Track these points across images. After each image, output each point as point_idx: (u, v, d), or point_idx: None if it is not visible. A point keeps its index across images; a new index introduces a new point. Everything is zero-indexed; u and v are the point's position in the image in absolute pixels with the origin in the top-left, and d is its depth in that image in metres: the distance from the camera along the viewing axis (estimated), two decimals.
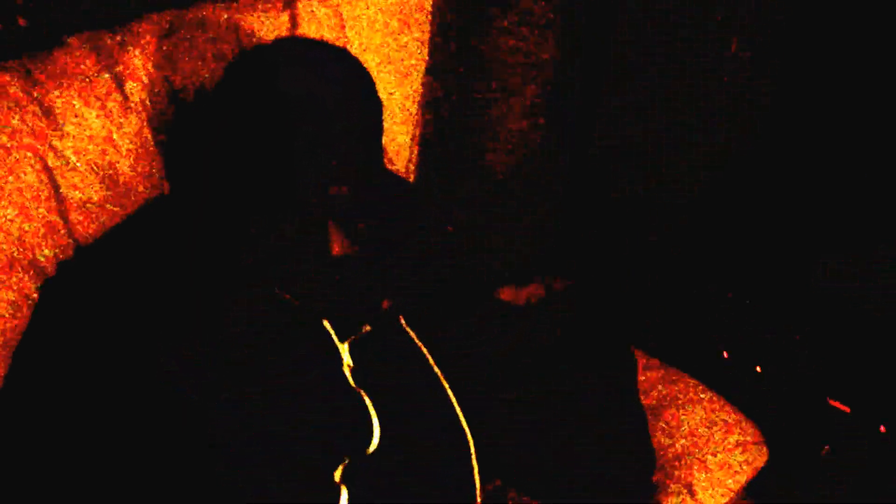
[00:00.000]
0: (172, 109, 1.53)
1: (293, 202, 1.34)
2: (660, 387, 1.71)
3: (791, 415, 2.19)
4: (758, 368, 2.21)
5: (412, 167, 2.01)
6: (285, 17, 1.69)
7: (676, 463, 1.59)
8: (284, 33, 1.68)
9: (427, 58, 2.08)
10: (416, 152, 2.03)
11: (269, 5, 1.69)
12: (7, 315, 1.34)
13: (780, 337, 2.31)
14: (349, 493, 1.26)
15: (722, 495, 1.59)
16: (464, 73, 2.20)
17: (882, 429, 2.10)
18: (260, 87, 1.35)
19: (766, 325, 2.35)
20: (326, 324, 1.35)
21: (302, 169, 1.33)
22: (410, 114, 1.99)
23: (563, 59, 2.17)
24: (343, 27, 1.80)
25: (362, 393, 1.33)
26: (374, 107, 1.43)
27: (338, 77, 1.38)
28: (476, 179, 2.24)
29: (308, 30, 1.71)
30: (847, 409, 2.14)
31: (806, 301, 2.33)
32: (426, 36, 2.11)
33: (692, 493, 1.56)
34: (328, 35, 1.74)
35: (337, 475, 1.27)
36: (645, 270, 2.44)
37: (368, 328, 1.39)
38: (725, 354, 2.26)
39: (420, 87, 2.04)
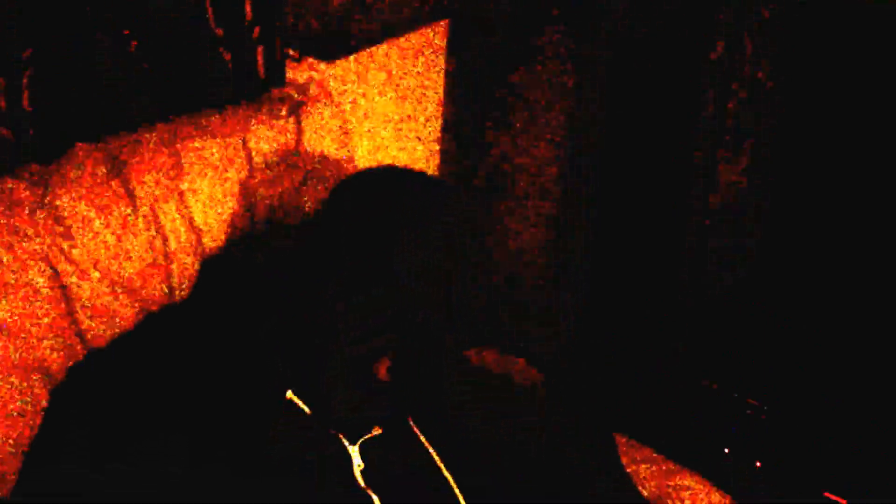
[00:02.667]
0: (182, 215, 1.56)
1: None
2: (658, 478, 1.72)
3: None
4: (757, 463, 2.22)
5: None
6: (291, 123, 1.74)
7: None
8: (290, 139, 1.71)
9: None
10: None
11: (274, 112, 1.73)
12: (15, 418, 1.34)
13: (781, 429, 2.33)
14: None
15: None
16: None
17: None
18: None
19: (766, 419, 2.37)
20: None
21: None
22: None
23: None
24: (347, 132, 1.85)
25: (371, 493, 1.34)
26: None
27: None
28: None
29: (312, 135, 1.75)
30: (843, 502, 2.15)
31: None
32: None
33: None
34: (332, 141, 1.79)
35: None
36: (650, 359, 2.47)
37: (378, 430, 1.40)
38: (727, 450, 2.27)
39: None
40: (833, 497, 2.19)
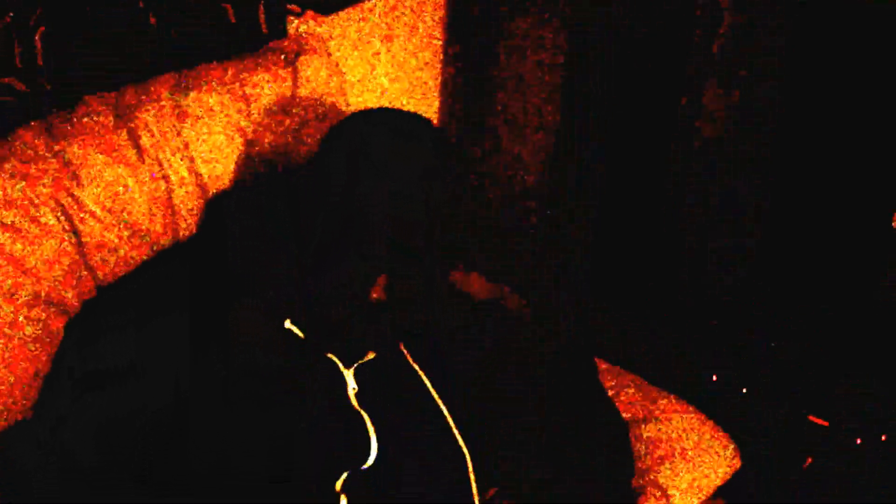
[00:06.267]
0: (186, 160, 1.66)
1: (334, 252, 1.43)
2: (640, 402, 1.81)
3: (769, 428, 2.26)
4: (744, 390, 2.28)
5: None
6: (288, 72, 1.82)
7: (655, 469, 1.69)
8: (287, 88, 1.80)
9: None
10: None
11: (273, 63, 1.82)
12: (31, 350, 1.44)
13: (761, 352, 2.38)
14: (348, 501, 1.36)
15: (695, 497, 1.69)
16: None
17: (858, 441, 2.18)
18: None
19: (747, 341, 2.43)
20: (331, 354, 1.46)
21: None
22: None
23: None
24: (342, 81, 1.94)
25: (363, 413, 1.43)
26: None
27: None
28: None
29: (308, 83, 1.84)
30: (825, 423, 2.21)
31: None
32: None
33: (668, 496, 1.66)
34: (327, 88, 1.87)
35: (338, 486, 1.38)
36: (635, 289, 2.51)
37: (372, 355, 1.48)
38: (714, 377, 2.33)
39: None
40: (816, 420, 2.26)
